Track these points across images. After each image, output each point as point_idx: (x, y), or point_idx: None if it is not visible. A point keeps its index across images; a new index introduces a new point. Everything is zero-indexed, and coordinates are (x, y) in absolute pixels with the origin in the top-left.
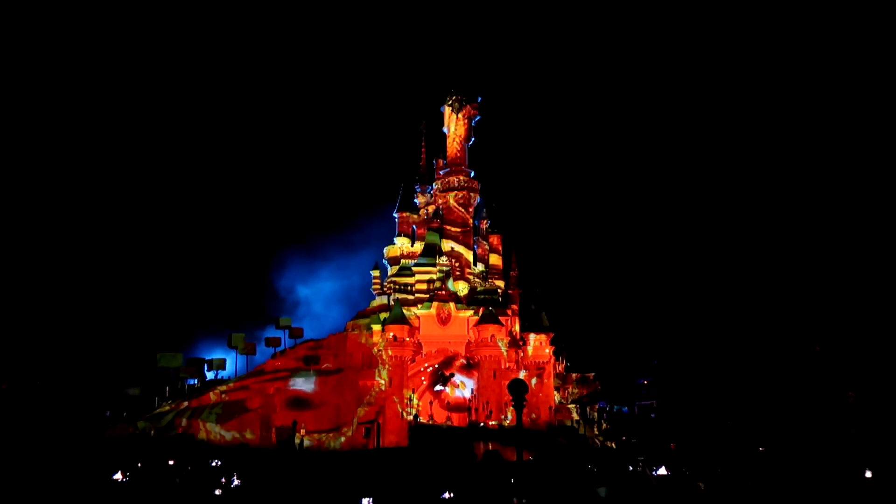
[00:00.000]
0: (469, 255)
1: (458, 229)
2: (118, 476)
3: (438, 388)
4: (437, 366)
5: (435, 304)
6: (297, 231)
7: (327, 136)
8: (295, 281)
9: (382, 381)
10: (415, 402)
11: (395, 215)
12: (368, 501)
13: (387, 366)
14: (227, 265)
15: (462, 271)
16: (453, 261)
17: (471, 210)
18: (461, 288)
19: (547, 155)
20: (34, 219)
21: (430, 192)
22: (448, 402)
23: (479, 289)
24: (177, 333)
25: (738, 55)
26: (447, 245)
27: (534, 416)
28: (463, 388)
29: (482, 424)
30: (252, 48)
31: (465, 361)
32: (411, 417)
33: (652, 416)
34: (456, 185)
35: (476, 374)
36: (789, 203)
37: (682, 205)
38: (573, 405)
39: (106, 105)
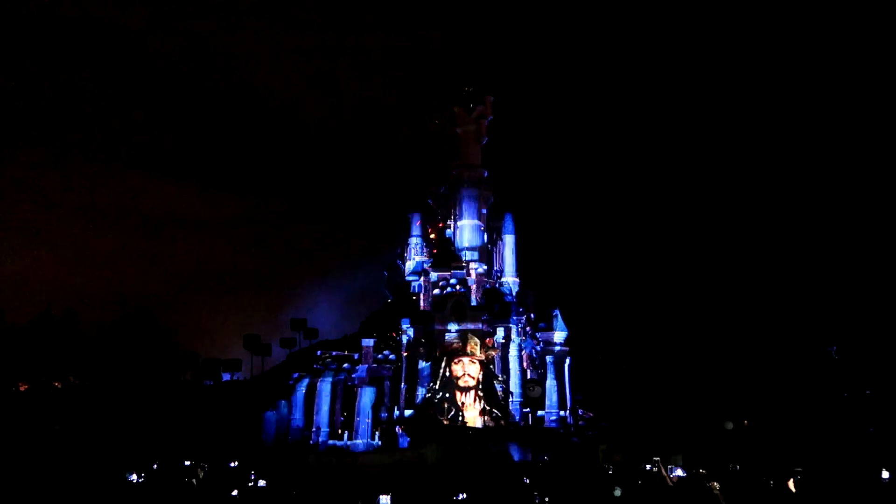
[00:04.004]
0: (483, 255)
1: (472, 229)
2: (133, 477)
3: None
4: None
5: (449, 303)
6: (310, 231)
7: (341, 137)
8: (309, 281)
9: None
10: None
11: (409, 216)
12: (387, 499)
13: (402, 365)
14: (241, 264)
15: (476, 270)
16: (467, 260)
17: (484, 209)
18: (475, 287)
19: (561, 154)
20: None
21: (443, 193)
22: (462, 402)
23: (492, 288)
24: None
25: (744, 48)
26: (461, 244)
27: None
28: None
29: (496, 424)
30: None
31: (479, 360)
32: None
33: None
34: (469, 184)
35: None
36: (805, 202)
37: (697, 204)
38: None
39: None
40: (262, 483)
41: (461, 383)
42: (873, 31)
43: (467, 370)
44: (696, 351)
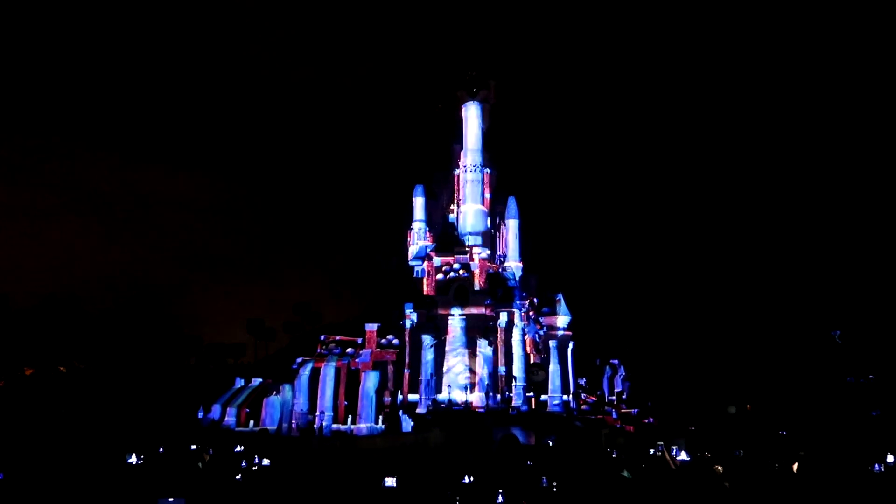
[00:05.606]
0: (486, 239)
1: (475, 213)
2: (132, 459)
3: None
4: (456, 348)
5: (453, 287)
6: (313, 215)
7: (345, 122)
8: (313, 265)
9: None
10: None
11: (413, 200)
12: (392, 481)
13: (406, 348)
14: (245, 248)
15: (479, 255)
16: (470, 245)
17: (487, 194)
18: (478, 272)
19: (564, 138)
20: None
21: (447, 177)
22: (467, 386)
23: (496, 272)
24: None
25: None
26: (464, 229)
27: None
28: (482, 372)
29: (500, 408)
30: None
31: (482, 345)
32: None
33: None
34: (472, 169)
35: (494, 357)
36: (808, 191)
37: (701, 190)
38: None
39: None
40: (265, 462)
41: (462, 380)
42: (873, 31)
43: (471, 365)
44: (700, 336)
